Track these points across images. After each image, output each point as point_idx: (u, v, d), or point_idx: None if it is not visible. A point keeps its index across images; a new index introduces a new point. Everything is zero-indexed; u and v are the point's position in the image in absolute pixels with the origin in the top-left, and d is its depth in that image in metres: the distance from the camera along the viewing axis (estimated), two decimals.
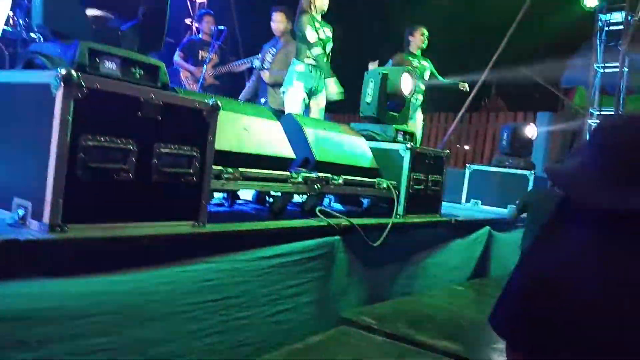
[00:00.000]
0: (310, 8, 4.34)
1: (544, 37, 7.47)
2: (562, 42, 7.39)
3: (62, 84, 1.36)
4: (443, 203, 3.34)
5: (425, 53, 5.37)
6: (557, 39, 7.26)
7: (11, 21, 4.84)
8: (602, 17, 6.54)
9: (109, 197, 1.48)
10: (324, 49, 4.33)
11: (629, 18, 6.26)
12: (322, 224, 2.26)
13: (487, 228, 3.60)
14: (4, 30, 4.66)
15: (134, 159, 1.52)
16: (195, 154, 1.72)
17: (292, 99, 4.40)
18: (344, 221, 2.35)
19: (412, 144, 3.09)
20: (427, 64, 5.36)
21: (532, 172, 4.68)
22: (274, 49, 4.94)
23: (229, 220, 1.99)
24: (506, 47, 6.86)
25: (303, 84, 4.38)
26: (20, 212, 1.40)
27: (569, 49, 7.63)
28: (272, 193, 2.33)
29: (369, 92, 3.24)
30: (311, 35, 4.24)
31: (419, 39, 5.20)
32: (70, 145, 1.38)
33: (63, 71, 1.35)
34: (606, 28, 6.51)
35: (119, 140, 1.49)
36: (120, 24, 1.76)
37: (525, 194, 4.00)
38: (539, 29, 7.25)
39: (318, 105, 4.49)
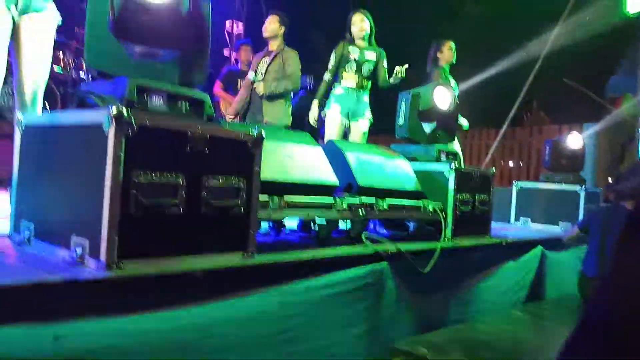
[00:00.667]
0: (346, 36, 4.44)
1: (586, 45, 7.26)
2: (606, 49, 7.17)
3: (113, 122, 1.39)
4: (492, 223, 3.24)
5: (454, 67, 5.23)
6: (600, 46, 7.05)
7: (62, 62, 5.09)
8: None
9: (160, 231, 1.49)
10: (358, 71, 4.34)
11: None
12: (368, 250, 2.22)
13: (540, 248, 3.46)
14: (55, 71, 4.90)
15: (183, 192, 1.53)
16: (242, 184, 1.73)
17: (330, 122, 4.43)
18: (391, 247, 2.30)
19: (456, 163, 3.02)
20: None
21: (583, 187, 4.49)
22: (267, 58, 4.58)
23: (276, 249, 1.97)
24: (546, 57, 6.70)
25: (340, 107, 4.40)
26: (78, 250, 1.42)
27: (613, 55, 7.39)
28: (317, 221, 2.31)
29: (402, 114, 3.20)
30: (332, 61, 4.37)
31: (447, 53, 5.02)
32: (123, 182, 1.40)
33: (114, 110, 1.39)
34: None
35: (169, 174, 1.51)
36: (164, 58, 1.79)
37: (589, 212, 3.82)
38: (580, 36, 7.06)
39: (359, 128, 4.48)
